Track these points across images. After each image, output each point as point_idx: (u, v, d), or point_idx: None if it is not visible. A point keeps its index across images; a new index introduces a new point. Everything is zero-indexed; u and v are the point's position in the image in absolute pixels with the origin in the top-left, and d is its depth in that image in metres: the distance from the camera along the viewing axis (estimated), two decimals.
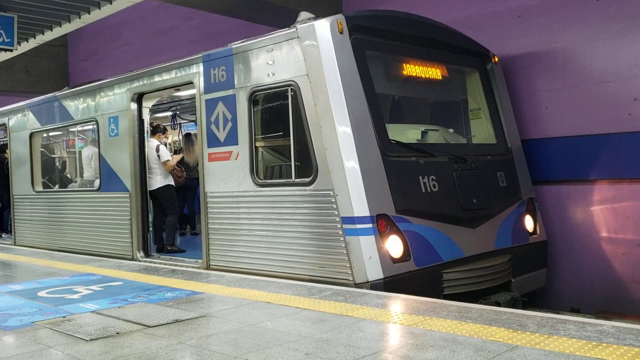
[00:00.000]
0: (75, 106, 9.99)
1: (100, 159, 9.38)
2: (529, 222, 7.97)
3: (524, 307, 6.96)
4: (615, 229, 8.01)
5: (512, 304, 6.89)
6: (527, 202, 8.05)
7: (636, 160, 7.76)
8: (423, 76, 7.47)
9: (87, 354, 4.12)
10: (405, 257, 6.18)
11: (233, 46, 7.24)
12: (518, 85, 8.75)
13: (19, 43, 11.00)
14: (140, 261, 8.60)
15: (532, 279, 7.82)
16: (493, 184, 7.58)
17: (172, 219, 9.37)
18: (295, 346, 4.09)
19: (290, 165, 6.68)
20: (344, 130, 6.15)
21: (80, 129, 11.08)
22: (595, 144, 8.12)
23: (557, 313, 6.76)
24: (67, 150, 12.39)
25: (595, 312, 7.83)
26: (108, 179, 9.22)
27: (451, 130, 8.01)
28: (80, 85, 10.25)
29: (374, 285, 5.88)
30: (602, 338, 4.00)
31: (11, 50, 10.62)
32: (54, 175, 12.07)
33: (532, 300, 7.84)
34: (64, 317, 5.24)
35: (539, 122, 8.62)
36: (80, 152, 11.14)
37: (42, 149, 11.62)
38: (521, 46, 8.71)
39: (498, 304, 6.63)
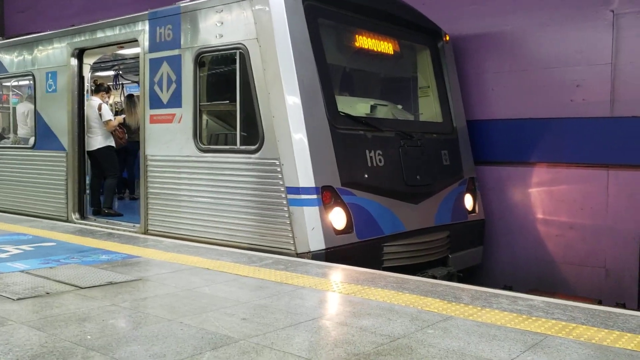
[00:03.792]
0: (11, 58, 9.49)
1: (36, 115, 8.97)
2: (468, 201, 8.13)
3: (459, 283, 7.12)
4: (551, 211, 8.28)
5: (448, 278, 7.04)
6: (468, 182, 8.20)
7: (575, 145, 8.00)
8: (375, 49, 7.44)
9: (13, 313, 3.94)
10: (347, 229, 6.20)
11: (181, 5, 7.01)
12: (467, 66, 8.85)
13: None
14: (75, 223, 8.33)
15: (469, 255, 8.01)
16: (437, 161, 7.67)
17: (111, 181, 9.09)
18: (232, 311, 4.04)
19: (236, 131, 6.55)
20: (293, 99, 6.05)
21: (15, 83, 10.55)
22: (537, 128, 8.31)
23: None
24: (1, 105, 11.80)
25: (526, 291, 8.09)
26: (44, 136, 8.84)
27: (399, 106, 8.03)
28: (17, 37, 9.73)
29: (316, 256, 5.87)
30: (532, 312, 4.11)
31: None
32: None
33: (468, 276, 8.02)
34: None
35: (485, 103, 8.76)
36: (14, 108, 10.62)
37: None
38: (473, 27, 8.79)
39: (434, 278, 6.73)
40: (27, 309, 4.05)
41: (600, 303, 6.99)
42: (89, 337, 3.46)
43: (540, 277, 8.28)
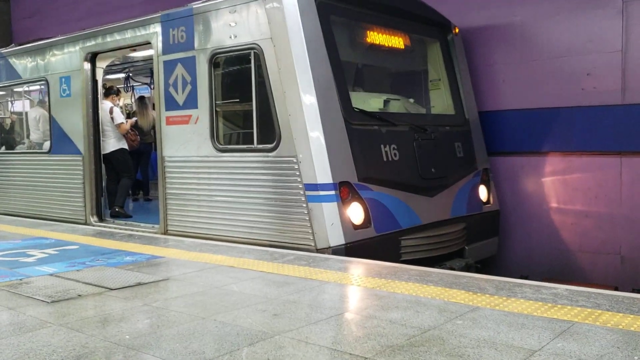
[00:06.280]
0: (24, 65, 9.59)
1: (51, 120, 9.06)
2: (483, 192, 8.18)
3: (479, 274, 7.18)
4: (565, 200, 8.32)
5: (466, 270, 7.10)
6: (482, 173, 8.26)
7: (587, 133, 8.03)
8: (386, 44, 7.50)
9: (50, 315, 4.04)
10: (365, 223, 6.27)
11: (194, 6, 7.08)
12: (477, 58, 8.89)
13: None
14: (94, 225, 8.43)
15: (485, 246, 8.07)
16: (451, 154, 7.73)
17: (126, 181, 9.16)
18: (262, 307, 4.12)
19: (252, 130, 6.62)
20: (308, 97, 6.12)
21: (27, 89, 10.65)
22: (549, 117, 8.35)
23: None
24: (13, 111, 11.88)
25: (542, 279, 8.14)
26: (59, 141, 8.93)
27: (411, 100, 8.09)
28: (29, 43, 9.82)
29: (336, 251, 5.95)
30: (556, 300, 4.18)
31: None
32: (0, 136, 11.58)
33: (484, 267, 8.09)
34: (20, 279, 5.11)
35: (495, 94, 8.80)
36: (26, 114, 10.72)
37: None
38: (481, 18, 8.82)
39: (453, 270, 6.81)
40: (63, 311, 4.15)
41: (616, 290, 7.05)
42: (127, 336, 3.55)
43: (554, 266, 8.33)
